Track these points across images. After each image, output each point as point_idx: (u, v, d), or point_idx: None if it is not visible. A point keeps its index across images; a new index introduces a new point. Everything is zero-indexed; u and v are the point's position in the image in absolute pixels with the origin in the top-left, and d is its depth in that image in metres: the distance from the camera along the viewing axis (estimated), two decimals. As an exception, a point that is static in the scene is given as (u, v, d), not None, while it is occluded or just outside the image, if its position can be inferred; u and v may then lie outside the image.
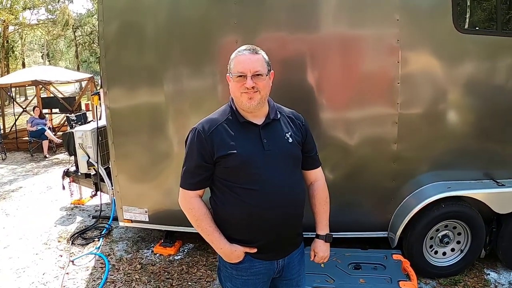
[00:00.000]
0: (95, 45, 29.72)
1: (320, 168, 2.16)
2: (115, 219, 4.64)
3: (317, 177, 2.15)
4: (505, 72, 3.55)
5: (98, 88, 11.23)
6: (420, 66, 3.40)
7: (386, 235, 3.68)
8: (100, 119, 4.83)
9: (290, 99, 3.27)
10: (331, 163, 3.47)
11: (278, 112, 2.00)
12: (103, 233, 4.88)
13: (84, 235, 4.88)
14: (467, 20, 3.80)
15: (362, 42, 3.36)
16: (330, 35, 3.40)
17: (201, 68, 3.61)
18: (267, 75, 1.87)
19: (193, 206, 1.90)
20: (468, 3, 3.77)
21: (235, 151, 1.82)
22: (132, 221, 4.14)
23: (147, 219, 4.05)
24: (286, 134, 1.96)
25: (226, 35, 3.49)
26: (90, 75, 13.29)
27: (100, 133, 4.76)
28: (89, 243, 4.68)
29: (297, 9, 3.37)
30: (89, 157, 4.81)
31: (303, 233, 2.09)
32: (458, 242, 3.68)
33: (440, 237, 3.62)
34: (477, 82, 3.51)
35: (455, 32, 3.35)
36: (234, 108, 1.93)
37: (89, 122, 6.91)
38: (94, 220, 5.23)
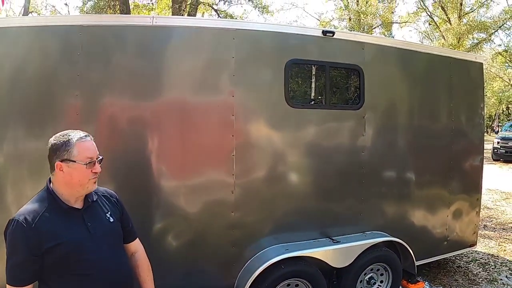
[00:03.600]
0: None
1: (137, 239, 2.28)
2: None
3: (136, 248, 2.26)
4: (334, 138, 4.03)
5: None
6: (254, 139, 3.68)
7: (232, 299, 3.80)
8: None
9: (129, 166, 3.38)
10: (174, 231, 3.53)
11: (94, 194, 2.06)
12: None
13: None
14: (306, 95, 4.21)
15: (200, 115, 3.53)
16: (169, 108, 3.50)
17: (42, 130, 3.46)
18: None
19: None
20: (313, 80, 4.16)
21: (64, 240, 1.84)
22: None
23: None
24: (107, 214, 2.05)
25: (67, 102, 3.38)
26: None
27: None
28: None
29: (138, 83, 3.44)
30: None
31: None
32: (303, 298, 3.92)
33: (284, 295, 3.83)
34: (310, 150, 3.92)
35: (287, 107, 3.74)
36: (55, 195, 1.93)
37: None
38: None
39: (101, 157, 2.00)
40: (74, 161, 1.90)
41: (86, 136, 1.97)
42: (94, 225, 1.96)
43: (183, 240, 3.56)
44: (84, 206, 1.98)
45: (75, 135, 1.95)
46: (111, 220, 2.06)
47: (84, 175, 1.91)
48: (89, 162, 1.91)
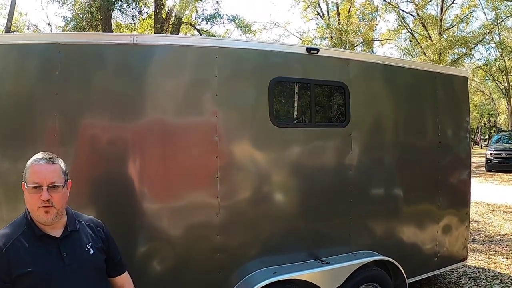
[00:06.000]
0: None
1: (126, 272, 2.15)
2: None
3: (124, 282, 2.13)
4: (321, 157, 3.95)
5: None
6: (239, 159, 3.59)
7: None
8: None
9: (110, 189, 3.26)
10: (158, 256, 3.39)
11: (77, 222, 1.94)
12: None
13: None
14: (291, 114, 4.16)
15: (183, 136, 3.43)
16: (151, 128, 3.38)
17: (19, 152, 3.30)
18: (63, 187, 1.82)
19: None
20: (298, 98, 4.12)
21: (31, 269, 1.70)
22: None
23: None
24: (87, 246, 1.91)
25: (45, 123, 3.24)
26: None
27: None
28: None
29: (119, 103, 3.33)
30: None
31: None
32: (291, 322, 3.79)
33: (272, 320, 3.69)
34: (296, 169, 3.83)
35: (272, 126, 3.65)
36: (30, 220, 1.81)
37: None
38: None
39: (57, 185, 1.80)
40: (26, 184, 1.81)
41: (43, 159, 1.82)
42: (71, 256, 1.84)
43: (167, 265, 3.42)
44: (62, 235, 1.86)
45: (35, 157, 1.85)
46: (91, 252, 1.93)
47: (31, 201, 1.78)
48: (34, 187, 1.76)
